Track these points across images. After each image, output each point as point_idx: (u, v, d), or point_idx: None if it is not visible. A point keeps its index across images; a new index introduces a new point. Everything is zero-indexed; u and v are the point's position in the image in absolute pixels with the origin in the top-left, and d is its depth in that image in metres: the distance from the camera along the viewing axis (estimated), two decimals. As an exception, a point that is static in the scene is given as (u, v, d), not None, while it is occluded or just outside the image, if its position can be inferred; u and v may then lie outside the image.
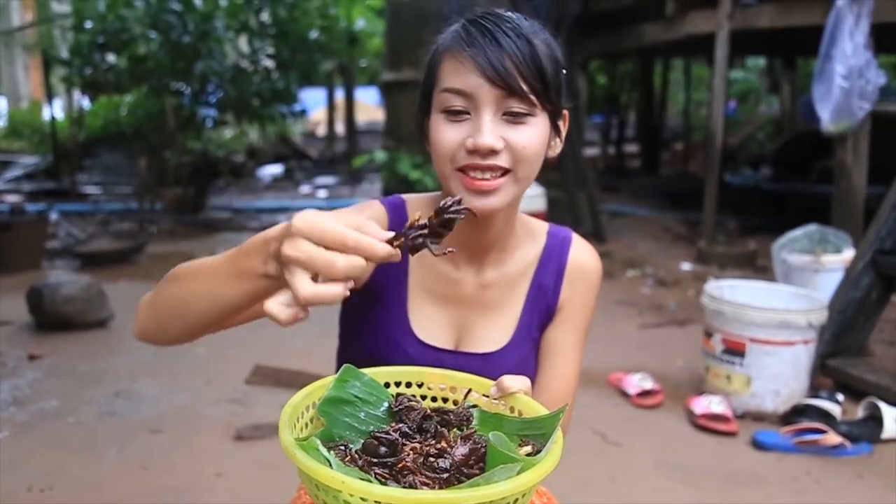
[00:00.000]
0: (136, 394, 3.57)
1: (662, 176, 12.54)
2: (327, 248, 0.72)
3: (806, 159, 9.73)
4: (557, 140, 1.13)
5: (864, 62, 4.72)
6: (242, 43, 9.52)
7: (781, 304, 3.45)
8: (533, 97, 1.02)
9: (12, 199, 9.33)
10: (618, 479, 2.82)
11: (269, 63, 9.26)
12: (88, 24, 8.64)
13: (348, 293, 0.74)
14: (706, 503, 2.66)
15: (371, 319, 1.18)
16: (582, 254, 1.23)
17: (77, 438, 3.09)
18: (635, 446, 3.08)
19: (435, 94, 1.06)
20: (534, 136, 1.04)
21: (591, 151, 13.62)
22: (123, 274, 6.01)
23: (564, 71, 1.10)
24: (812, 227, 4.73)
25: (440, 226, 0.78)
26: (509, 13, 1.07)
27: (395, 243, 0.76)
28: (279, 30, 9.13)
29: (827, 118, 4.89)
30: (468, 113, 1.03)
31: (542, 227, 1.25)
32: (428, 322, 1.18)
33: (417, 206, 1.21)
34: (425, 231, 0.78)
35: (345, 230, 0.73)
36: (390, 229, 1.08)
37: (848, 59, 4.72)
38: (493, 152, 1.01)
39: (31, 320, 4.54)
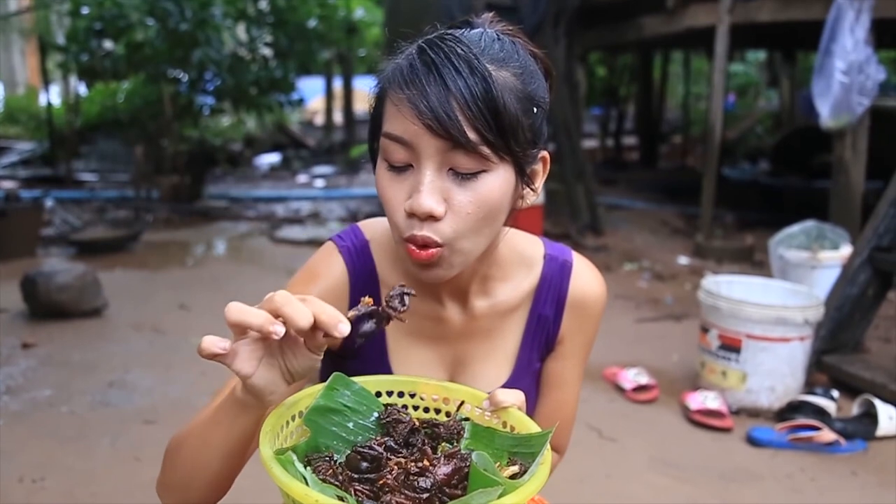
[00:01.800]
0: (130, 384, 3.56)
1: (661, 169, 12.53)
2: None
3: (805, 154, 9.71)
4: (529, 190, 0.96)
5: (864, 58, 4.71)
6: (240, 31, 9.48)
7: (778, 300, 3.44)
8: (485, 148, 0.85)
9: (8, 185, 9.30)
10: (613, 474, 2.82)
11: (267, 51, 9.22)
12: (85, 10, 8.59)
13: (271, 330, 0.72)
14: (700, 499, 2.66)
15: (351, 371, 1.08)
16: (584, 282, 1.12)
17: (70, 428, 3.08)
18: (630, 442, 3.08)
19: (379, 135, 0.91)
20: (485, 196, 0.87)
21: (589, 144, 13.59)
22: (119, 262, 5.99)
23: (537, 109, 0.91)
24: (810, 224, 4.72)
25: (385, 318, 0.79)
26: (473, 34, 0.91)
27: (350, 316, 0.77)
28: (277, 18, 9.09)
29: (826, 114, 4.88)
30: (412, 165, 0.88)
31: (538, 250, 1.12)
32: (414, 367, 1.08)
33: (384, 245, 1.08)
34: (371, 318, 0.79)
35: (308, 296, 0.74)
36: (353, 280, 1.05)
37: (848, 54, 4.71)
38: (433, 217, 0.86)
39: (25, 308, 4.52)
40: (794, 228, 4.74)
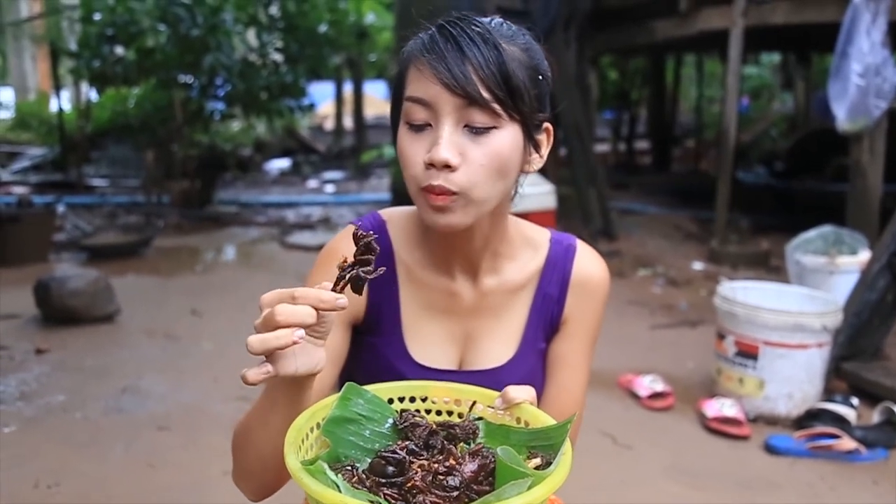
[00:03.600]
0: (143, 390, 3.58)
1: (674, 173, 12.50)
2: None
3: (820, 157, 9.68)
4: (536, 155, 1.06)
5: (881, 60, 4.69)
6: (251, 36, 9.53)
7: (795, 306, 3.42)
8: (496, 106, 0.96)
9: (19, 190, 9.36)
10: (627, 482, 2.81)
11: (278, 57, 9.26)
12: (97, 16, 8.65)
13: (296, 340, 0.78)
14: (718, 508, 2.65)
15: (369, 346, 1.16)
16: (588, 264, 1.19)
17: (83, 434, 3.10)
18: (645, 449, 3.07)
19: (402, 103, 1.02)
20: (497, 151, 0.98)
21: (601, 148, 13.58)
22: (131, 267, 6.02)
23: (542, 77, 1.03)
24: (827, 228, 4.70)
25: (362, 255, 0.83)
26: (486, 18, 1.02)
27: (336, 288, 0.82)
28: (288, 23, 9.14)
29: (843, 116, 4.86)
30: (430, 125, 0.98)
31: (544, 235, 1.20)
32: (426, 342, 1.14)
33: (400, 223, 1.17)
34: (353, 266, 0.83)
35: (291, 290, 0.80)
36: None
37: (864, 56, 4.68)
38: (448, 167, 0.96)
39: (38, 314, 4.55)
40: (811, 233, 4.71)
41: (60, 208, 8.07)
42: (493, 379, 1.12)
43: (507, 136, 0.99)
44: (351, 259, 0.83)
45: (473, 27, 0.97)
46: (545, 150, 1.08)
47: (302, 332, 0.78)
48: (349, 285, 0.82)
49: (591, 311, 1.19)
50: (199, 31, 8.16)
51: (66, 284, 4.44)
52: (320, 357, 0.86)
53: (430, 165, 0.97)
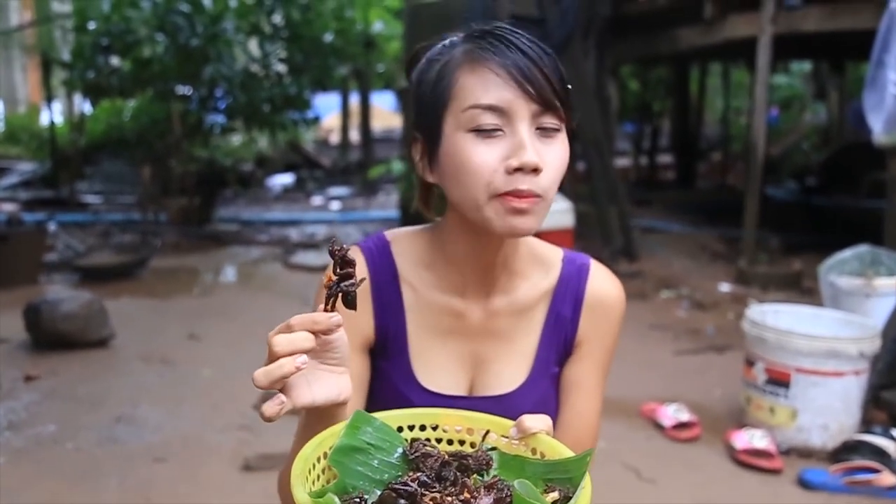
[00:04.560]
0: (139, 419, 3.60)
1: (699, 189, 12.50)
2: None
3: (855, 172, 9.65)
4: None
5: (919, 70, 4.69)
6: (253, 46, 9.62)
7: (829, 331, 3.42)
8: (563, 111, 1.03)
9: (8, 208, 9.45)
10: (652, 518, 2.81)
11: (281, 67, 9.34)
12: (92, 25, 8.76)
13: (298, 366, 0.81)
14: (749, 547, 2.64)
15: (379, 371, 1.18)
16: (602, 283, 1.20)
17: (76, 466, 3.12)
18: (671, 483, 3.06)
19: (451, 115, 1.03)
20: (563, 153, 1.04)
21: (622, 162, 13.60)
22: (126, 290, 6.06)
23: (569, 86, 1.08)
24: (863, 248, 4.69)
25: (341, 269, 0.86)
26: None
27: (326, 307, 0.85)
28: (292, 32, 9.22)
29: (879, 129, 4.85)
30: (501, 130, 1.01)
31: (557, 253, 1.22)
32: (434, 366, 1.16)
33: (406, 245, 1.19)
34: (337, 283, 0.86)
35: (289, 321, 0.84)
36: (373, 275, 1.17)
37: (902, 65, 4.69)
38: (536, 171, 1.00)
39: (27, 338, 4.59)
40: (847, 253, 4.70)
41: (52, 227, 8.14)
42: (505, 405, 1.13)
43: (565, 140, 1.05)
44: (332, 286, 0.86)
45: (517, 34, 1.02)
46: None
47: (304, 357, 0.81)
48: (343, 303, 0.86)
49: (606, 332, 1.20)
50: (199, 41, 8.26)
51: (57, 307, 4.48)
52: (343, 386, 0.89)
53: (516, 171, 1.00)
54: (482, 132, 1.01)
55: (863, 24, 5.37)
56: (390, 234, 1.22)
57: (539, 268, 1.20)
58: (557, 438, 0.94)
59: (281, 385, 0.84)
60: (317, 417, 0.92)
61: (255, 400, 3.71)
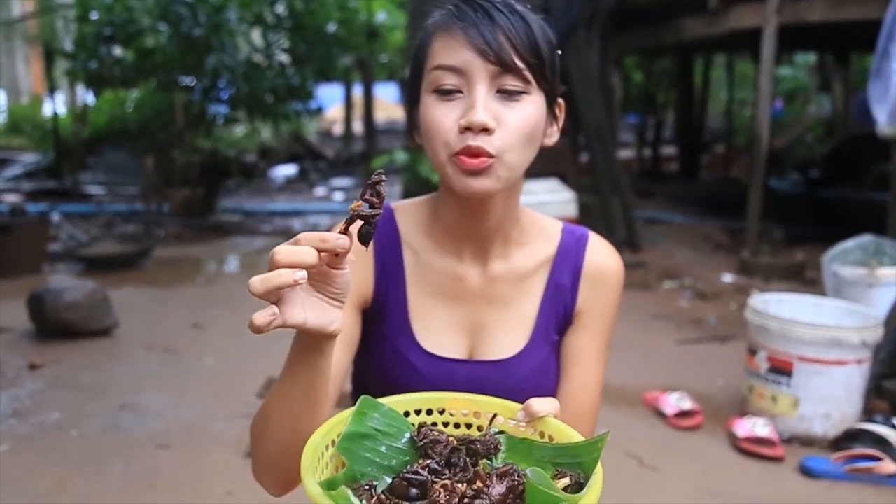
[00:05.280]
0: (142, 407, 3.62)
1: (702, 180, 12.49)
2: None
3: (860, 164, 9.63)
4: (555, 127, 1.13)
5: (924, 60, 4.68)
6: (256, 36, 9.61)
7: (832, 320, 3.42)
8: (528, 73, 1.03)
9: (12, 198, 9.46)
10: (654, 506, 2.82)
11: (284, 57, 9.34)
12: (94, 15, 8.76)
13: (297, 279, 0.79)
14: (750, 534, 2.65)
15: (378, 335, 1.19)
16: (600, 254, 1.22)
17: (80, 453, 3.14)
18: (673, 471, 3.07)
19: (425, 75, 1.07)
20: (528, 115, 1.05)
21: (625, 153, 13.59)
22: (129, 279, 6.08)
23: (557, 52, 1.10)
24: (866, 238, 4.69)
25: (371, 195, 0.85)
26: None
27: (341, 228, 0.84)
28: (295, 22, 9.22)
29: (884, 120, 4.84)
30: (461, 91, 1.04)
31: (556, 225, 1.25)
32: (435, 329, 1.18)
33: (408, 212, 1.22)
34: (362, 206, 0.84)
35: (298, 235, 0.83)
36: (377, 241, 1.18)
37: (907, 56, 4.68)
38: (486, 130, 1.01)
39: (31, 327, 4.61)
40: (850, 243, 4.70)
41: (55, 217, 8.15)
42: (504, 370, 1.15)
43: (535, 103, 1.05)
44: (353, 212, 0.84)
45: (497, 0, 1.05)
46: (559, 125, 1.15)
47: (303, 273, 0.80)
48: (358, 235, 0.84)
49: (606, 303, 1.22)
50: (202, 31, 8.25)
51: (61, 297, 4.49)
52: (335, 317, 0.88)
53: (466, 130, 1.02)
54: (442, 92, 1.04)
55: (868, 14, 5.35)
56: (395, 203, 1.24)
57: (539, 237, 1.22)
58: (561, 408, 0.94)
59: (276, 297, 0.82)
60: (302, 350, 0.91)
61: (258, 388, 3.72)
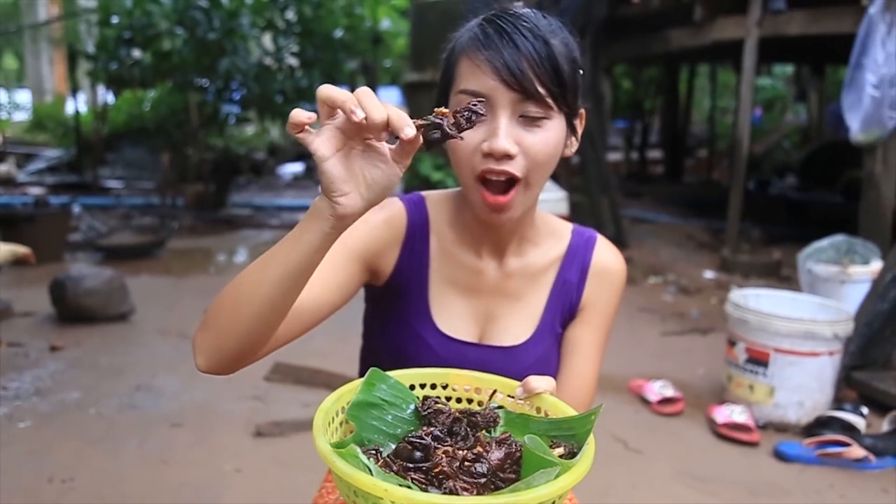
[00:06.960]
0: (157, 388, 3.61)
1: (686, 183, 12.49)
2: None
3: (833, 169, 9.65)
4: (573, 139, 1.13)
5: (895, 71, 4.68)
6: (267, 41, 9.60)
7: (807, 314, 3.43)
8: (549, 100, 1.02)
9: (36, 191, 9.45)
10: (638, 486, 2.82)
11: (294, 61, 9.33)
12: (115, 19, 8.75)
13: (354, 111, 0.76)
14: (727, 513, 2.66)
15: (394, 313, 1.20)
16: (606, 255, 1.24)
17: (98, 430, 3.13)
18: (656, 454, 3.08)
19: (451, 96, 1.07)
20: (549, 139, 1.04)
21: (614, 156, 13.57)
22: (144, 268, 6.07)
23: (581, 71, 1.09)
24: (839, 238, 4.69)
25: (461, 114, 0.83)
26: (527, 10, 1.07)
27: (418, 123, 0.81)
28: (304, 28, 9.21)
29: (856, 127, 4.85)
30: (485, 116, 1.03)
31: (567, 226, 1.27)
32: (450, 313, 1.19)
33: (438, 203, 1.22)
34: (438, 131, 0.82)
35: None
36: (410, 226, 1.18)
37: (879, 67, 4.68)
38: (508, 157, 1.02)
39: (53, 312, 4.60)
40: (824, 242, 4.71)
41: (76, 209, 8.12)
42: (511, 356, 1.17)
43: (556, 127, 1.05)
44: (438, 119, 0.82)
45: (522, 22, 1.03)
46: (579, 132, 1.14)
47: (362, 112, 0.77)
48: (425, 133, 0.82)
49: (608, 299, 1.24)
50: (216, 35, 8.24)
51: (81, 283, 4.48)
52: (382, 174, 0.84)
53: (489, 155, 1.02)
54: None
55: (843, 28, 5.34)
56: (426, 192, 1.26)
57: (551, 237, 1.24)
58: (557, 395, 0.95)
59: (329, 113, 0.81)
60: (312, 218, 0.87)
61: (266, 372, 3.72)
